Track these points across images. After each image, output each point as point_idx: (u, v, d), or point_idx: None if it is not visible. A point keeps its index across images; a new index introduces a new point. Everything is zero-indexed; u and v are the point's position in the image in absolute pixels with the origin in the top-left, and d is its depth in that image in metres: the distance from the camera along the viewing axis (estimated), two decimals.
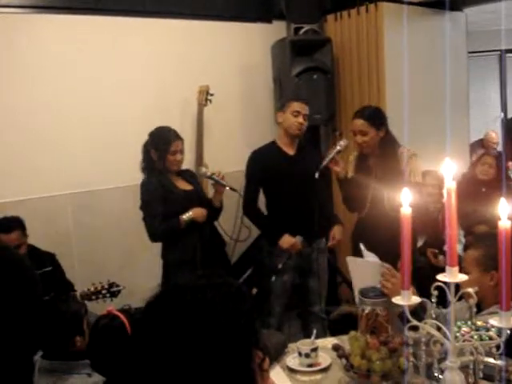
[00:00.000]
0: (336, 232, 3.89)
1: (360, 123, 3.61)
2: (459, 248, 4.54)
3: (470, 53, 5.47)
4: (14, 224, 3.43)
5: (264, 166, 3.83)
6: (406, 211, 1.74)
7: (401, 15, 4.45)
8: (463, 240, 4.58)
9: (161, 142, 3.61)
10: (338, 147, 3.62)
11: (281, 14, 4.87)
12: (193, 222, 3.60)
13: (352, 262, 2.69)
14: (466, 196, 4.45)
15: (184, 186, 3.71)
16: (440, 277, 1.68)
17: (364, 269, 2.59)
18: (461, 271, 2.48)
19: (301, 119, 3.79)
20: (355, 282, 2.59)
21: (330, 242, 3.90)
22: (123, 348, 1.87)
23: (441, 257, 4.20)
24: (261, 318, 3.85)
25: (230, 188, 3.67)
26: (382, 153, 3.62)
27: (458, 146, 4.99)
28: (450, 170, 1.64)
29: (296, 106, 3.80)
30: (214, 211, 3.76)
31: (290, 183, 3.80)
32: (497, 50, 7.91)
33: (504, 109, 8.13)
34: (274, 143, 3.94)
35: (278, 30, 4.94)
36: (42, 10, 4.06)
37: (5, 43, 3.92)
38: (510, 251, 1.56)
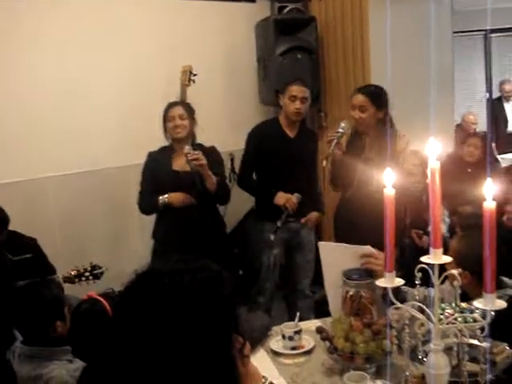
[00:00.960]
0: (313, 216, 4.00)
1: (361, 98, 3.59)
2: (444, 228, 4.55)
3: (455, 32, 5.43)
4: None
5: (262, 143, 3.87)
6: (389, 192, 1.71)
7: None
8: (447, 220, 4.59)
9: (163, 114, 3.68)
10: (341, 130, 3.58)
11: None
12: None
13: (325, 248, 2.61)
14: (451, 176, 4.43)
15: (182, 165, 3.64)
16: (424, 258, 1.65)
17: (341, 253, 2.54)
18: (445, 252, 2.47)
19: (298, 104, 3.82)
20: (327, 269, 2.53)
21: (304, 220, 3.98)
22: (104, 333, 1.85)
23: (425, 237, 4.20)
24: (250, 298, 3.90)
25: (203, 167, 3.53)
26: (378, 134, 3.59)
27: (443, 126, 4.95)
28: (434, 149, 1.61)
29: (293, 90, 3.83)
30: (210, 195, 3.64)
31: (284, 165, 3.84)
32: (482, 30, 7.90)
33: (489, 89, 8.14)
34: (276, 121, 3.99)
35: (262, 9, 4.88)
36: None
37: None
38: (494, 232, 1.54)
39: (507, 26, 7.68)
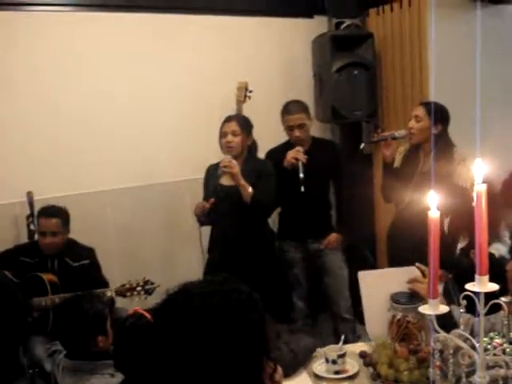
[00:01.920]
0: (332, 238, 4.00)
1: (419, 108, 3.65)
2: (504, 250, 4.38)
3: None
4: (57, 212, 3.53)
5: (276, 165, 3.81)
6: (433, 215, 1.65)
7: (445, 9, 4.31)
8: (509, 242, 4.41)
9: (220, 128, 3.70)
10: (396, 134, 3.70)
11: (322, 8, 4.79)
12: (220, 218, 3.61)
13: (365, 277, 2.56)
14: None
15: (230, 179, 3.64)
16: (469, 286, 1.58)
17: (383, 278, 2.48)
18: (505, 275, 2.37)
19: (297, 133, 3.87)
20: (367, 298, 2.47)
21: (323, 245, 4.00)
22: (145, 348, 1.85)
23: None
24: (284, 313, 3.89)
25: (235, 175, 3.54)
26: (434, 149, 3.54)
27: (508, 145, 4.79)
28: (481, 171, 1.54)
29: (288, 120, 3.91)
30: (249, 208, 3.60)
31: (296, 181, 3.77)
32: None
33: None
34: (288, 142, 3.99)
35: (319, 25, 4.83)
36: (71, 7, 4.09)
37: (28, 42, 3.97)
38: None
39: None
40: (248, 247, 3.60)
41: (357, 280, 4.50)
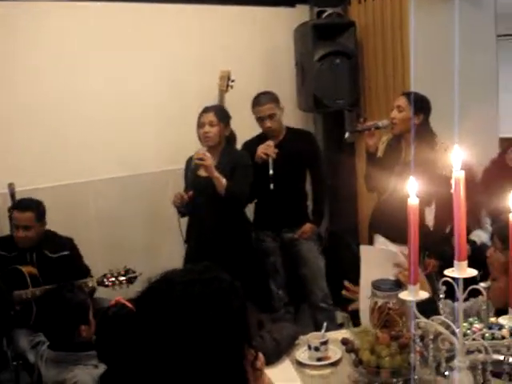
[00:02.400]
0: (306, 228, 4.04)
1: (400, 99, 3.66)
2: (485, 237, 4.43)
3: (501, 36, 5.27)
4: (31, 205, 3.48)
5: (252, 157, 3.82)
6: (413, 202, 1.66)
7: None
8: (490, 228, 4.46)
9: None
10: (379, 123, 3.71)
11: None
12: (197, 209, 3.65)
13: (366, 251, 2.61)
14: (494, 183, 4.32)
15: (204, 171, 3.66)
16: (448, 272, 1.60)
17: (378, 258, 2.52)
18: (485, 261, 2.39)
19: (267, 123, 3.91)
20: (366, 272, 2.51)
21: (297, 235, 4.05)
22: (127, 337, 1.85)
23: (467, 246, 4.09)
24: (264, 302, 3.93)
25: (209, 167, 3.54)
26: (416, 140, 3.56)
27: (486, 133, 4.83)
28: (459, 158, 1.56)
29: (257, 111, 3.95)
30: (223, 199, 3.60)
31: (268, 171, 3.80)
32: None
33: None
34: (263, 133, 4.02)
35: (301, 13, 4.83)
36: None
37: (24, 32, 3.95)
38: None
39: None
40: (224, 237, 3.63)
41: (337, 268, 4.58)
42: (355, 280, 4.70)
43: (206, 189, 3.59)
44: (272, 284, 4.11)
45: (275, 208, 3.98)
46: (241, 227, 3.81)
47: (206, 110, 3.68)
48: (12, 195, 3.70)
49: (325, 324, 2.46)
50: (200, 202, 3.65)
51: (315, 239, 4.15)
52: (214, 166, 3.56)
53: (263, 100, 3.93)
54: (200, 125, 3.64)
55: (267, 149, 3.76)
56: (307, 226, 4.04)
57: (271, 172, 3.72)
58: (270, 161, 3.74)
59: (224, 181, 3.53)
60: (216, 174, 3.52)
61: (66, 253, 3.57)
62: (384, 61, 4.59)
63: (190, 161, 3.78)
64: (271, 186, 3.71)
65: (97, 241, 4.23)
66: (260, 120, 3.94)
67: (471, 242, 4.39)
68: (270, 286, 4.10)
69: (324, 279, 4.11)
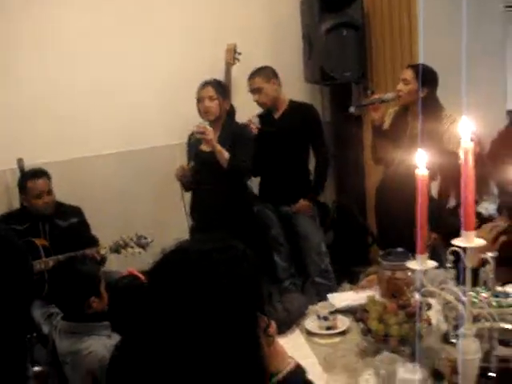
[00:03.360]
0: (302, 205, 4.05)
1: (407, 71, 3.64)
2: (492, 208, 4.45)
3: (509, 6, 5.22)
4: (40, 172, 3.56)
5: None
6: (421, 173, 1.68)
7: None
8: (497, 200, 4.47)
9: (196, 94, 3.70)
10: (384, 97, 3.70)
11: None
12: (200, 183, 3.70)
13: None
14: (502, 155, 4.32)
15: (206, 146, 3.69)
16: (456, 241, 1.62)
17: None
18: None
19: (255, 97, 3.96)
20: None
21: (294, 209, 4.07)
22: (140, 309, 1.89)
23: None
24: (270, 274, 3.98)
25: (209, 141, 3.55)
26: (422, 113, 3.57)
27: (494, 105, 4.81)
28: (467, 129, 1.57)
29: (248, 84, 4.00)
30: (226, 172, 3.63)
31: (271, 145, 3.89)
32: None
33: None
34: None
35: None
36: None
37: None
38: None
39: None
40: (227, 210, 3.66)
41: (344, 241, 4.60)
42: (361, 251, 4.77)
43: (209, 163, 3.63)
44: (276, 256, 4.15)
45: (275, 181, 4.04)
46: (244, 200, 3.85)
47: (204, 85, 3.68)
48: (22, 170, 3.75)
49: (334, 293, 2.50)
50: (203, 177, 3.69)
51: (313, 214, 4.15)
52: (216, 139, 3.59)
53: (253, 74, 3.98)
54: (200, 99, 3.65)
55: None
56: (301, 203, 4.05)
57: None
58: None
59: (226, 154, 3.55)
60: (218, 147, 3.54)
61: (75, 220, 3.63)
62: (391, 33, 4.55)
63: (191, 135, 3.80)
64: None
65: (106, 213, 4.26)
66: (252, 93, 4.00)
67: (478, 214, 4.41)
68: (274, 258, 4.15)
69: (322, 254, 4.14)
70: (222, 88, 3.72)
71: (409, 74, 3.59)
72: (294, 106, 4.08)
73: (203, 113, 3.64)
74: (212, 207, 3.65)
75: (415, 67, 3.64)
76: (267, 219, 4.12)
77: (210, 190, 3.67)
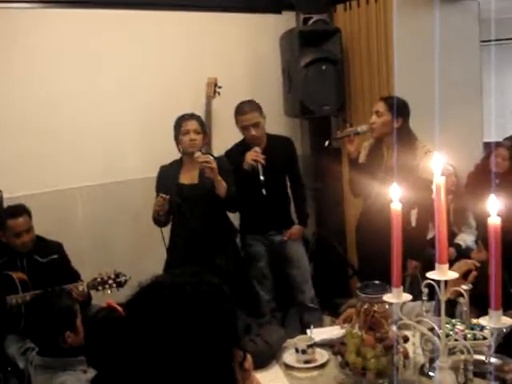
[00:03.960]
0: (294, 230, 4.11)
1: (380, 104, 3.69)
2: (471, 240, 4.50)
3: (485, 41, 5.36)
4: (21, 209, 3.51)
5: (237, 164, 3.86)
6: (395, 207, 1.70)
7: (410, 4, 4.39)
8: (475, 232, 4.53)
9: (175, 126, 3.71)
10: (358, 129, 3.73)
11: (290, 4, 4.84)
12: (183, 217, 3.65)
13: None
14: (479, 187, 4.38)
15: (189, 178, 3.72)
16: (429, 274, 1.64)
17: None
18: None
19: (252, 131, 3.91)
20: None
21: (286, 236, 4.11)
22: (117, 341, 1.87)
23: (450, 249, 4.16)
24: (251, 307, 3.96)
25: (213, 171, 3.56)
26: (397, 144, 3.59)
27: (471, 138, 4.89)
28: (439, 164, 1.60)
29: (241, 120, 3.94)
30: (223, 201, 3.68)
31: (255, 177, 3.83)
32: None
33: None
34: (244, 141, 4.04)
35: (287, 20, 4.89)
36: (49, 4, 4.07)
37: (13, 39, 3.95)
38: (499, 249, 1.52)
39: None
40: (212, 243, 3.66)
41: (324, 272, 4.62)
42: (342, 283, 4.78)
43: (191, 196, 3.64)
44: (260, 289, 4.14)
45: (262, 212, 4.00)
46: (227, 232, 3.86)
47: (189, 118, 3.69)
48: (0, 203, 3.71)
49: (312, 326, 2.49)
50: (187, 210, 3.66)
51: (301, 240, 4.23)
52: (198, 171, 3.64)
53: (247, 108, 3.93)
54: (184, 132, 3.65)
55: (256, 155, 3.79)
56: (295, 228, 4.13)
57: (262, 178, 3.76)
58: (260, 167, 3.78)
59: (225, 184, 3.59)
60: (219, 177, 3.57)
61: (55, 256, 3.60)
62: (369, 67, 4.66)
63: (163, 171, 3.80)
64: (263, 191, 3.76)
65: (85, 247, 4.23)
66: (244, 129, 3.94)
67: (457, 246, 4.46)
68: (258, 292, 4.14)
69: (309, 281, 4.19)
70: (203, 122, 3.78)
71: (381, 106, 3.64)
72: (273, 139, 4.10)
73: (188, 145, 3.63)
74: (196, 240, 3.62)
75: (387, 99, 3.70)
76: (253, 251, 4.12)
77: (193, 223, 3.64)
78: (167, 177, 3.75)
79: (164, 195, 3.59)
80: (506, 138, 7.29)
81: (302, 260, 4.16)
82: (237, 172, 3.81)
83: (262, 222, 4.06)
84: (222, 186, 3.59)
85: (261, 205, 3.89)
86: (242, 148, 3.99)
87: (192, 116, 3.72)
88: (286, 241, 4.11)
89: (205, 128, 3.77)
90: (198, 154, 3.57)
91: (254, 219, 4.10)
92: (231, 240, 3.92)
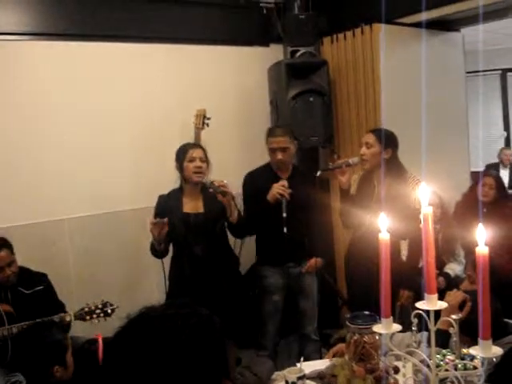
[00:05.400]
0: (313, 263, 4.00)
1: (368, 136, 3.72)
2: (459, 269, 4.51)
3: (470, 72, 5.45)
4: (2, 244, 3.44)
5: (257, 187, 3.88)
6: (383, 237, 1.71)
7: (396, 37, 4.46)
8: (463, 261, 4.54)
9: (179, 153, 3.70)
10: (350, 161, 3.75)
11: (278, 37, 4.91)
12: (189, 246, 3.62)
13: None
14: (467, 216, 4.41)
15: (193, 207, 3.70)
16: (419, 304, 1.64)
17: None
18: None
19: (279, 155, 3.89)
20: None
21: (305, 269, 4.02)
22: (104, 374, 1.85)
23: (440, 278, 4.16)
24: (255, 340, 3.90)
25: (229, 195, 3.57)
26: (387, 175, 3.63)
27: (458, 167, 4.95)
28: (426, 194, 1.61)
29: (271, 142, 3.92)
30: (233, 227, 3.71)
31: (279, 206, 3.78)
32: (498, 70, 7.92)
33: (507, 127, 8.11)
34: (268, 165, 4.01)
35: (275, 53, 4.95)
36: (37, 36, 4.10)
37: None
38: (487, 278, 1.52)
39: None
40: (219, 272, 3.65)
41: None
42: (332, 313, 4.76)
43: (197, 225, 3.62)
44: (269, 324, 4.05)
45: (283, 246, 3.83)
46: (232, 262, 3.83)
47: (194, 146, 3.72)
48: None
49: (302, 359, 2.47)
50: (191, 240, 3.64)
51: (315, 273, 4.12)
52: (201, 199, 3.66)
53: (278, 132, 3.93)
54: (190, 159, 3.63)
55: (283, 190, 3.74)
56: (314, 260, 4.01)
57: (284, 215, 3.71)
58: (284, 203, 3.74)
59: (236, 210, 3.61)
60: (232, 202, 3.57)
61: (40, 288, 3.55)
62: (356, 98, 4.71)
63: (164, 198, 3.76)
64: (284, 229, 3.69)
65: (73, 278, 4.20)
66: (272, 151, 3.91)
67: (446, 275, 4.47)
68: (267, 326, 4.05)
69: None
70: (206, 153, 3.75)
71: (370, 138, 3.67)
72: (298, 172, 4.06)
73: (194, 173, 3.61)
74: (201, 270, 3.61)
75: (376, 131, 3.74)
76: (271, 284, 4.02)
77: (199, 252, 3.63)
78: (169, 206, 3.69)
79: (161, 219, 3.51)
80: (488, 165, 7.46)
81: (313, 292, 4.09)
82: (256, 196, 3.82)
83: (281, 254, 3.91)
84: (234, 211, 3.60)
85: (280, 239, 3.78)
86: (265, 171, 4.00)
87: (196, 145, 3.77)
88: (303, 273, 4.03)
89: (208, 158, 3.75)
90: (211, 179, 3.59)
91: (271, 251, 4.00)
92: (235, 269, 3.88)
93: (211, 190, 3.60)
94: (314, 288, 4.10)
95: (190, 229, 3.63)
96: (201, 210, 3.69)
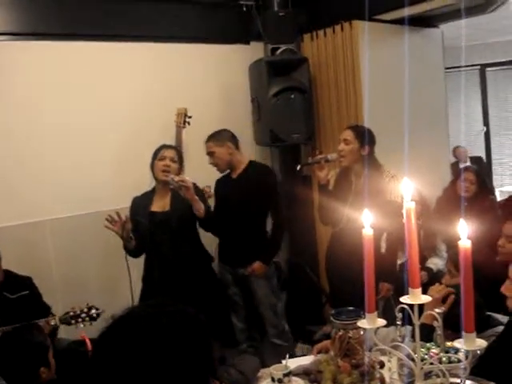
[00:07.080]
0: (256, 267, 3.97)
1: (347, 132, 3.75)
2: (441, 264, 4.54)
3: (449, 68, 5.50)
4: None
5: (216, 190, 4.08)
6: (367, 233, 1.72)
7: (376, 33, 4.49)
8: (445, 255, 4.57)
9: (154, 153, 3.75)
10: (329, 157, 3.79)
11: (258, 34, 4.90)
12: (156, 245, 3.66)
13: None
14: (448, 211, 4.45)
15: (161, 206, 3.73)
16: (403, 299, 1.65)
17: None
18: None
19: (211, 160, 4.01)
20: None
21: (248, 272, 4.01)
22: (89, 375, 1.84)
23: (422, 273, 4.19)
24: (228, 336, 3.92)
25: (189, 189, 3.56)
26: (364, 170, 3.66)
27: (438, 162, 4.99)
28: (408, 189, 1.63)
29: (206, 147, 4.02)
30: (203, 221, 3.73)
31: (226, 206, 3.93)
32: (477, 65, 8.00)
33: (486, 122, 8.20)
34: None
35: (255, 50, 4.95)
36: (17, 36, 4.06)
37: None
38: (470, 272, 1.54)
39: (502, 60, 7.84)
40: (188, 271, 3.66)
41: (296, 298, 4.59)
42: (315, 310, 4.78)
43: (163, 223, 3.65)
44: (233, 317, 4.13)
45: (231, 243, 4.02)
46: (202, 259, 3.85)
47: (167, 147, 3.77)
48: None
49: (287, 355, 2.48)
50: (157, 238, 3.67)
51: (268, 276, 4.06)
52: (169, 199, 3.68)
53: (208, 138, 4.02)
54: (160, 158, 3.69)
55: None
56: (256, 265, 3.97)
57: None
58: (234, 198, 3.89)
59: (202, 204, 3.60)
60: (195, 196, 3.57)
61: (25, 292, 3.52)
62: (337, 95, 4.73)
63: (137, 199, 3.82)
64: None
65: (56, 280, 4.17)
66: (208, 156, 4.04)
67: (428, 269, 4.50)
68: (232, 320, 4.12)
69: (278, 316, 4.10)
70: (181, 156, 3.82)
71: (349, 134, 3.71)
72: (251, 167, 4.06)
73: (161, 171, 3.64)
74: (169, 268, 3.63)
75: (354, 128, 3.78)
76: (224, 279, 4.10)
77: (167, 251, 3.64)
78: (139, 206, 3.76)
79: (118, 214, 3.56)
80: (471, 157, 7.55)
81: (264, 297, 4.04)
82: (215, 195, 4.05)
83: (230, 253, 4.04)
84: (199, 206, 3.60)
85: (228, 233, 3.95)
86: (224, 175, 4.10)
87: (171, 146, 3.81)
88: (249, 276, 4.02)
89: (182, 161, 3.79)
90: (171, 176, 3.57)
91: (222, 248, 4.12)
92: (207, 266, 3.89)
93: (171, 187, 3.62)
94: (263, 292, 4.05)
95: (156, 227, 3.67)
96: (167, 208, 3.72)
